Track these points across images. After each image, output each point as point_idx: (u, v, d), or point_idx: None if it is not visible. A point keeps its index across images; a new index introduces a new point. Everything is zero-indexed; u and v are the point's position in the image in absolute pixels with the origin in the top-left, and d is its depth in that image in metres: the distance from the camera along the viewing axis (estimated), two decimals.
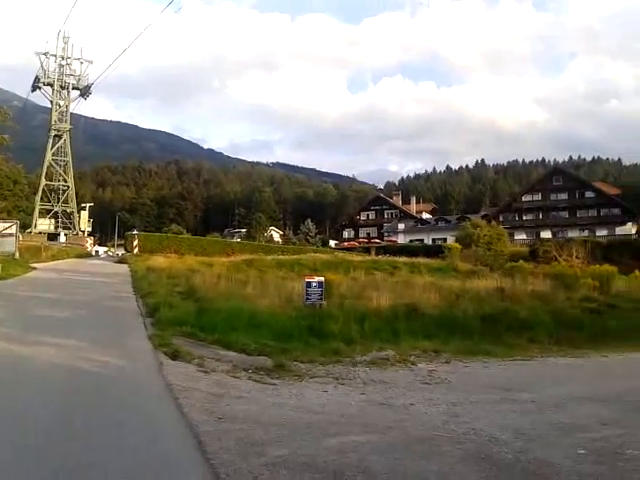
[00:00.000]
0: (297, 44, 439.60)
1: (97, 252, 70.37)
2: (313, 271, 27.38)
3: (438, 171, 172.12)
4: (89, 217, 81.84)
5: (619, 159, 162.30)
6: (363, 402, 7.27)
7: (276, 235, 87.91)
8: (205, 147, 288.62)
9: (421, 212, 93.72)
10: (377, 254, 39.14)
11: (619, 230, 72.79)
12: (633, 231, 72.27)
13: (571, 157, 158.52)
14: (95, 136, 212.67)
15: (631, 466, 4.68)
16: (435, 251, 49.88)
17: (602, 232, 71.07)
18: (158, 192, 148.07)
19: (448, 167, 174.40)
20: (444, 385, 8.81)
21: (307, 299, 14.19)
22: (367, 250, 50.90)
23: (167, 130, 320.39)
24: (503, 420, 6.38)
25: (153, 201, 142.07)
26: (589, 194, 79.41)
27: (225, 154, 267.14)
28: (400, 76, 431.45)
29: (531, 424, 6.19)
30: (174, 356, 9.51)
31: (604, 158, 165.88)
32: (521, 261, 34.60)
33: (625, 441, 5.38)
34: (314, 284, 14.19)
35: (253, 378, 8.54)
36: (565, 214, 79.06)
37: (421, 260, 34.38)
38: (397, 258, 33.91)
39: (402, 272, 28.91)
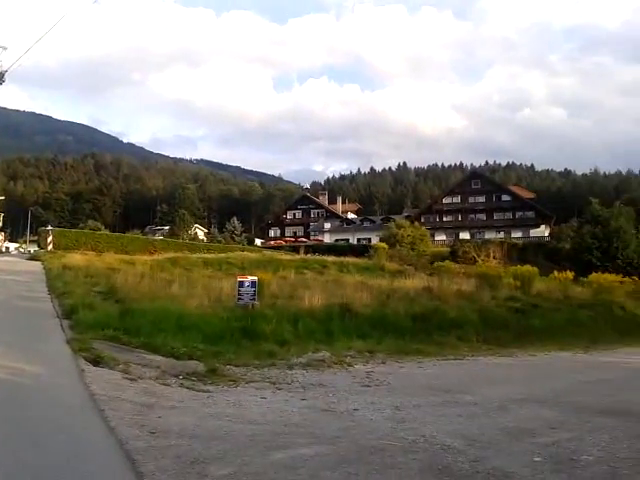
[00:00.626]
0: (222, 41, 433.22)
1: (7, 249, 65.99)
2: (241, 270, 26.76)
3: (362, 172, 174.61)
4: None
5: (532, 165, 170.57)
6: (305, 409, 6.89)
7: (200, 233, 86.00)
8: (125, 141, 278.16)
9: (347, 212, 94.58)
10: (306, 253, 38.89)
11: (533, 232, 76.39)
12: (546, 233, 76.05)
13: (487, 162, 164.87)
14: (7, 127, 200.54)
15: (589, 474, 4.56)
16: (361, 251, 50.38)
17: (517, 234, 74.29)
18: (74, 186, 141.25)
19: (372, 169, 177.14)
20: (384, 387, 8.58)
21: (239, 299, 13.66)
22: (294, 249, 50.62)
23: (84, 122, 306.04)
24: (450, 425, 6.18)
25: (68, 196, 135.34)
26: (505, 197, 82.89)
27: (147, 149, 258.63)
28: (325, 77, 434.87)
29: (479, 429, 6.02)
30: (96, 362, 8.75)
31: (518, 163, 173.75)
32: (447, 261, 35.32)
33: (577, 446, 5.30)
34: (247, 284, 13.69)
35: (185, 385, 7.97)
36: (483, 216, 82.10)
37: (349, 259, 34.42)
38: (326, 257, 33.78)
39: (331, 271, 28.78)
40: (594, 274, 25.71)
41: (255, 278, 14.13)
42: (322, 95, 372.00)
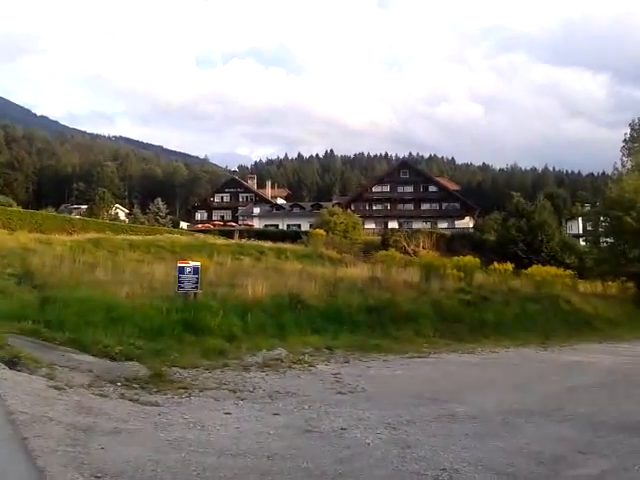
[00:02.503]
0: (141, 12, 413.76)
1: None
2: (172, 254, 24.84)
3: (290, 158, 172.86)
4: None
5: (452, 158, 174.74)
6: (283, 429, 5.61)
7: (122, 214, 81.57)
8: (38, 114, 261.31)
9: (276, 197, 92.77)
10: (240, 238, 37.19)
11: (458, 223, 77.86)
12: (470, 225, 77.72)
13: (411, 153, 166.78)
14: None
15: None
16: (292, 236, 49.14)
17: (443, 224, 75.42)
18: None
19: (300, 155, 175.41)
20: (362, 395, 7.44)
21: (179, 287, 12.09)
22: (224, 233, 48.61)
23: None
24: (465, 451, 5.12)
25: None
26: (432, 188, 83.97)
27: (61, 123, 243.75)
28: (251, 59, 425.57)
29: (504, 456, 4.99)
30: (12, 363, 7.06)
31: (439, 156, 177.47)
32: (392, 250, 34.70)
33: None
34: (188, 270, 12.12)
35: (126, 395, 6.48)
36: (411, 206, 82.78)
37: (286, 246, 33.11)
38: (263, 243, 32.29)
39: (269, 257, 27.36)
40: (534, 267, 25.78)
41: (198, 264, 12.58)
42: (247, 77, 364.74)
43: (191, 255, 24.35)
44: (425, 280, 20.29)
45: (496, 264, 25.15)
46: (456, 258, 24.29)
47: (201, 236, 34.65)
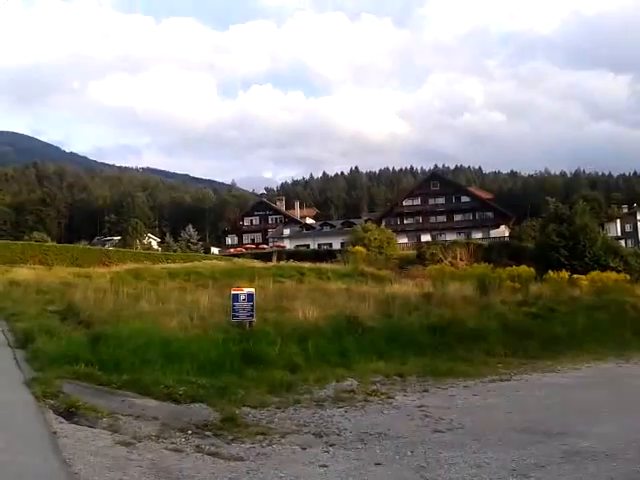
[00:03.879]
0: (162, 47, 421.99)
1: None
2: (212, 280, 24.29)
3: (315, 178, 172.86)
4: None
5: (479, 167, 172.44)
6: None
7: (154, 242, 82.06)
8: (67, 150, 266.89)
9: (305, 217, 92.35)
10: (278, 260, 36.52)
11: (493, 233, 76.16)
12: (506, 233, 76.00)
13: (436, 165, 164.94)
14: None
15: None
16: (326, 256, 48.36)
17: (477, 235, 73.84)
18: (15, 198, 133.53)
19: (325, 174, 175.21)
20: (463, 434, 6.49)
21: (234, 316, 11.35)
22: (258, 256, 48.13)
23: (24, 132, 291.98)
24: None
25: (10, 207, 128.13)
26: (464, 199, 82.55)
27: (90, 158, 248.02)
28: (270, 85, 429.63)
29: None
30: (70, 414, 6.34)
31: (466, 166, 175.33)
32: (443, 264, 33.64)
33: None
34: (242, 297, 11.37)
35: (203, 448, 5.66)
36: (443, 218, 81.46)
37: (327, 265, 32.33)
38: (302, 264, 31.58)
39: (310, 278, 26.58)
40: (594, 272, 24.47)
41: (252, 290, 11.83)
42: (267, 102, 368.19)
43: (232, 280, 23.85)
44: (481, 293, 19.27)
45: (551, 272, 23.91)
46: (509, 268, 23.16)
47: (239, 260, 34.10)
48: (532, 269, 23.13)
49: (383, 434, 6.37)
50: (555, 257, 42.79)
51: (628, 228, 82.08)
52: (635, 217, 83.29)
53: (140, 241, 72.51)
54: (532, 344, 13.90)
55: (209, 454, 5.43)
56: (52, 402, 6.68)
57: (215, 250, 75.73)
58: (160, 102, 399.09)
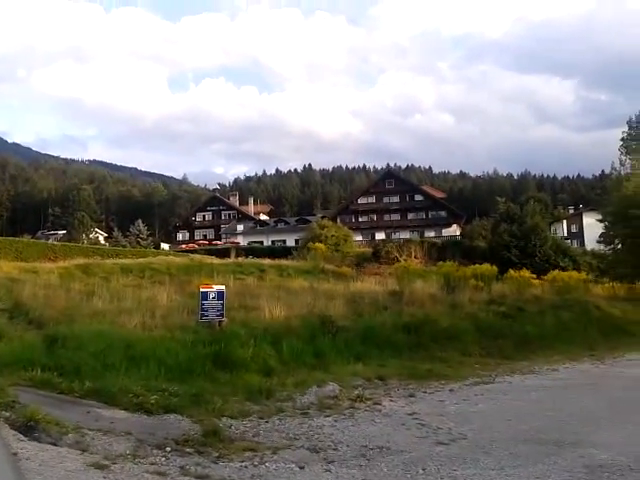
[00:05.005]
0: (111, 38, 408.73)
1: None
2: (169, 276, 23.23)
3: (268, 174, 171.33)
4: None
5: (430, 167, 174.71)
6: None
7: (100, 238, 79.19)
8: (9, 141, 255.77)
9: (259, 214, 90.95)
10: (237, 256, 35.50)
11: (445, 231, 76.98)
12: (458, 232, 77.00)
13: (388, 164, 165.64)
14: None
15: None
16: (281, 252, 47.61)
17: (430, 233, 74.40)
18: None
19: (278, 170, 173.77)
20: (468, 446, 6.00)
21: (202, 315, 10.60)
22: (212, 253, 46.91)
23: None
24: None
25: None
26: (418, 197, 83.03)
27: (34, 149, 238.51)
28: (222, 79, 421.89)
29: None
30: (29, 429, 5.52)
31: (417, 166, 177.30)
32: (408, 261, 33.43)
33: None
34: (212, 295, 10.64)
35: (189, 469, 4.95)
36: (397, 216, 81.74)
37: (286, 262, 31.56)
38: (261, 260, 30.69)
39: (271, 275, 25.75)
40: (555, 272, 24.68)
41: (222, 287, 11.11)
42: (219, 96, 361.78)
43: (189, 277, 22.87)
44: (447, 292, 19.04)
45: (512, 271, 23.96)
46: (472, 267, 23.05)
47: (196, 256, 32.94)
48: (495, 268, 23.09)
49: (384, 448, 5.81)
50: (507, 256, 43.36)
51: (574, 229, 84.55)
52: (581, 218, 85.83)
53: (87, 235, 69.76)
54: (505, 344, 13.76)
55: (198, 478, 4.72)
56: (7, 415, 5.85)
57: (166, 246, 73.54)
58: (108, 93, 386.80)
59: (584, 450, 5.66)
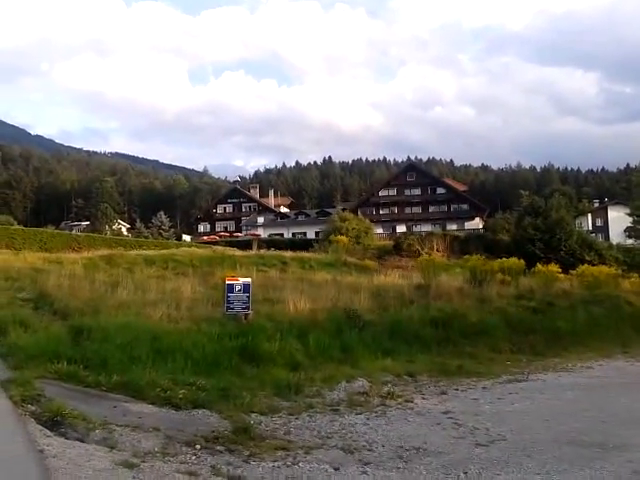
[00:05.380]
0: (132, 31, 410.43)
1: None
2: (192, 268, 23.12)
3: (288, 166, 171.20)
4: None
5: (451, 160, 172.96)
6: None
7: (123, 229, 79.85)
8: (33, 133, 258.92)
9: (279, 206, 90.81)
10: (259, 248, 35.39)
11: (468, 225, 76.06)
12: (480, 226, 76.07)
13: (409, 157, 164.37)
14: None
15: None
16: (300, 245, 47.37)
17: (452, 226, 73.63)
18: None
19: (298, 163, 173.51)
20: (506, 447, 5.75)
21: (228, 308, 10.44)
22: (233, 244, 46.91)
23: None
24: None
25: None
26: (440, 190, 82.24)
27: (57, 141, 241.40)
28: (242, 71, 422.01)
29: None
30: (56, 424, 5.39)
31: (438, 159, 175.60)
32: (433, 254, 33.04)
33: None
34: (237, 287, 10.47)
35: (221, 469, 4.76)
36: (418, 209, 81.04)
37: (308, 255, 31.34)
38: (283, 252, 30.54)
39: (293, 268, 25.56)
40: (584, 266, 24.08)
41: (248, 280, 10.94)
42: (239, 89, 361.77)
43: (212, 269, 22.77)
44: (474, 285, 18.66)
45: (540, 265, 23.41)
46: (499, 260, 22.56)
47: (219, 248, 32.85)
48: (522, 262, 22.59)
49: (421, 449, 5.57)
50: (531, 250, 42.58)
51: (599, 222, 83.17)
52: (606, 212, 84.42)
53: (110, 227, 70.42)
54: (536, 340, 13.40)
55: (230, 479, 4.53)
56: (33, 409, 5.71)
57: (187, 238, 73.90)
58: (129, 86, 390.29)
59: (631, 454, 5.37)
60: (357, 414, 7.00)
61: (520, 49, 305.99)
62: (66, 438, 5.12)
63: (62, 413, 5.55)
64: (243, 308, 10.44)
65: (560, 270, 23.90)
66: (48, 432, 5.16)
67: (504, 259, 22.86)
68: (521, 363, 11.44)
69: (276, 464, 4.97)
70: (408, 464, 5.13)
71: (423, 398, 8.02)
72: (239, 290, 10.44)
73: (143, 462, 4.67)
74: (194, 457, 5.02)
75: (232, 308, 10.40)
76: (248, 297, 10.49)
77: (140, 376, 7.24)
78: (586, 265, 24.33)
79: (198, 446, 5.33)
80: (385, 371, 9.54)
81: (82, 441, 5.12)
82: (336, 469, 4.94)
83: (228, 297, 10.37)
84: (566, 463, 5.14)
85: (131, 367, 7.65)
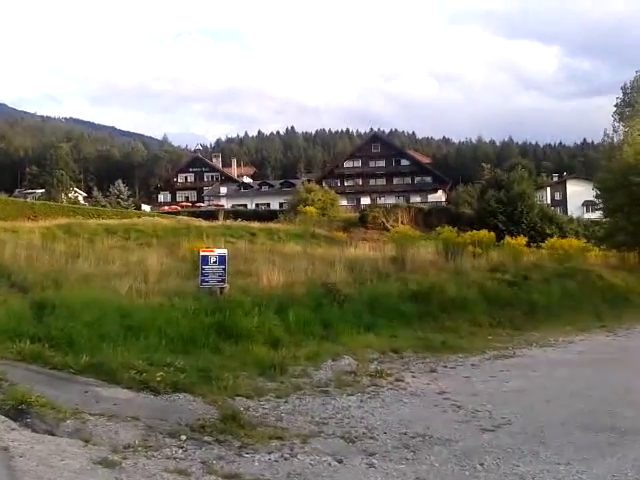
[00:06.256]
0: None
1: None
2: (156, 238, 22.28)
3: (251, 136, 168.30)
4: None
5: (413, 132, 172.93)
6: None
7: (80, 197, 77.22)
8: None
9: (242, 176, 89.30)
10: (225, 219, 34.47)
11: (431, 197, 76.43)
12: (443, 199, 76.56)
13: (372, 129, 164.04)
14: None
15: None
16: (265, 216, 46.57)
17: (416, 199, 73.67)
18: None
19: (260, 132, 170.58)
20: (517, 434, 5.38)
21: (203, 281, 9.83)
22: (196, 215, 45.84)
23: None
24: None
25: None
26: (404, 162, 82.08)
27: (10, 106, 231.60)
28: (201, 35, 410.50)
29: None
30: (21, 414, 4.77)
31: (400, 131, 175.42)
32: (402, 226, 32.78)
33: None
34: (213, 259, 9.86)
35: (213, 465, 4.24)
36: (382, 181, 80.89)
37: (277, 226, 30.71)
38: (251, 223, 29.81)
39: (261, 239, 24.96)
40: (553, 239, 24.22)
41: (224, 251, 10.33)
42: (198, 54, 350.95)
43: (178, 239, 21.94)
44: (446, 258, 18.45)
45: (508, 238, 23.41)
46: (470, 233, 22.45)
47: (184, 218, 31.92)
48: (493, 234, 22.54)
49: (426, 436, 5.17)
50: (494, 223, 42.99)
51: (557, 196, 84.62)
52: (564, 186, 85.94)
53: (66, 195, 67.91)
54: (514, 313, 13.27)
55: (225, 478, 4.02)
56: None
57: (146, 207, 71.85)
58: (85, 50, 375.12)
59: None
60: (349, 395, 6.57)
61: (483, 21, 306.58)
62: (33, 430, 4.53)
63: (28, 401, 4.92)
64: (219, 281, 9.84)
65: (525, 243, 24.01)
66: (12, 424, 4.55)
67: (474, 231, 22.80)
68: (502, 337, 11.23)
69: (272, 457, 4.47)
70: (417, 454, 4.71)
71: (413, 376, 7.65)
72: (214, 262, 9.83)
73: (124, 459, 4.12)
74: (180, 450, 4.49)
75: (207, 281, 9.79)
76: (224, 270, 9.90)
77: (112, 357, 6.62)
78: (555, 238, 24.46)
79: (183, 437, 4.80)
80: (369, 347, 9.14)
81: (52, 434, 4.54)
82: (339, 462, 4.48)
83: (203, 270, 9.75)
84: (585, 451, 4.81)
85: (101, 346, 7.01)
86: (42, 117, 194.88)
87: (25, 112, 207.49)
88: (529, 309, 13.70)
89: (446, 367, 8.37)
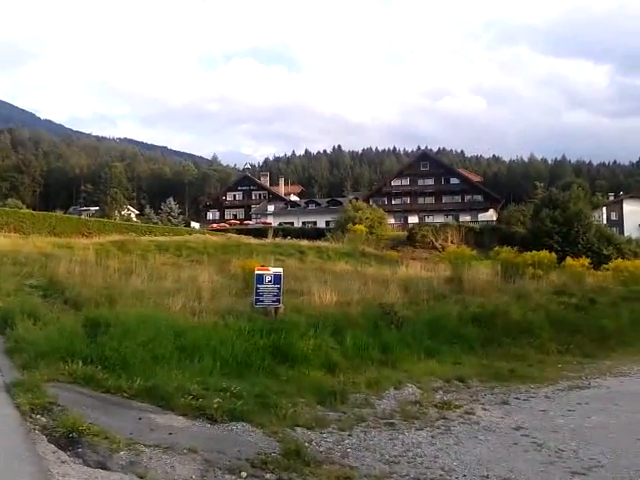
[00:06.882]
0: (141, 15, 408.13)
1: None
2: (207, 255, 22.23)
3: (298, 155, 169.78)
4: None
5: (462, 151, 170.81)
6: None
7: (132, 214, 79.02)
8: (42, 118, 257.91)
9: (289, 194, 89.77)
10: (274, 237, 34.42)
11: (481, 216, 74.70)
12: (494, 218, 74.74)
13: (419, 147, 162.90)
14: None
15: None
16: (311, 234, 46.32)
17: (465, 218, 72.27)
18: None
19: (307, 151, 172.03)
20: (609, 477, 4.77)
21: (257, 301, 9.48)
22: (242, 232, 46.01)
23: None
24: None
25: None
26: (454, 180, 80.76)
27: (66, 126, 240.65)
28: (251, 59, 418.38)
29: None
30: (71, 443, 4.46)
31: (448, 149, 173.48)
32: (462, 246, 31.99)
33: None
34: (268, 278, 9.49)
35: None
36: (431, 199, 79.70)
37: (325, 244, 30.38)
38: (299, 241, 29.61)
39: (311, 257, 24.66)
40: (618, 261, 23.02)
41: (280, 270, 9.94)
42: (248, 76, 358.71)
43: (227, 256, 21.87)
44: (506, 280, 17.65)
45: (569, 259, 22.35)
46: (530, 253, 21.53)
47: (233, 236, 31.99)
48: (554, 255, 21.56)
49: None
50: (548, 243, 41.44)
51: (614, 216, 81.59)
52: (621, 205, 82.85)
53: (119, 212, 69.58)
54: (582, 339, 12.38)
55: None
56: (45, 421, 4.79)
57: (196, 225, 72.90)
58: (139, 72, 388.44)
59: None
60: (417, 430, 6.04)
61: (532, 40, 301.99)
62: (85, 463, 4.20)
63: (80, 429, 4.62)
64: (273, 301, 9.48)
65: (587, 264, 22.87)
66: (63, 455, 4.23)
67: (534, 252, 21.85)
68: (573, 366, 10.45)
69: None
70: None
71: (484, 409, 7.05)
72: (269, 281, 9.47)
73: None
74: None
75: (262, 301, 9.44)
76: (279, 289, 9.52)
77: (166, 380, 6.31)
78: (619, 260, 23.22)
79: (244, 474, 4.39)
80: (432, 375, 8.58)
81: (105, 467, 4.19)
82: None
83: (257, 289, 9.40)
84: None
85: (155, 368, 6.72)
86: (97, 137, 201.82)
87: (81, 132, 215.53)
88: (598, 335, 12.80)
89: (518, 399, 7.72)
